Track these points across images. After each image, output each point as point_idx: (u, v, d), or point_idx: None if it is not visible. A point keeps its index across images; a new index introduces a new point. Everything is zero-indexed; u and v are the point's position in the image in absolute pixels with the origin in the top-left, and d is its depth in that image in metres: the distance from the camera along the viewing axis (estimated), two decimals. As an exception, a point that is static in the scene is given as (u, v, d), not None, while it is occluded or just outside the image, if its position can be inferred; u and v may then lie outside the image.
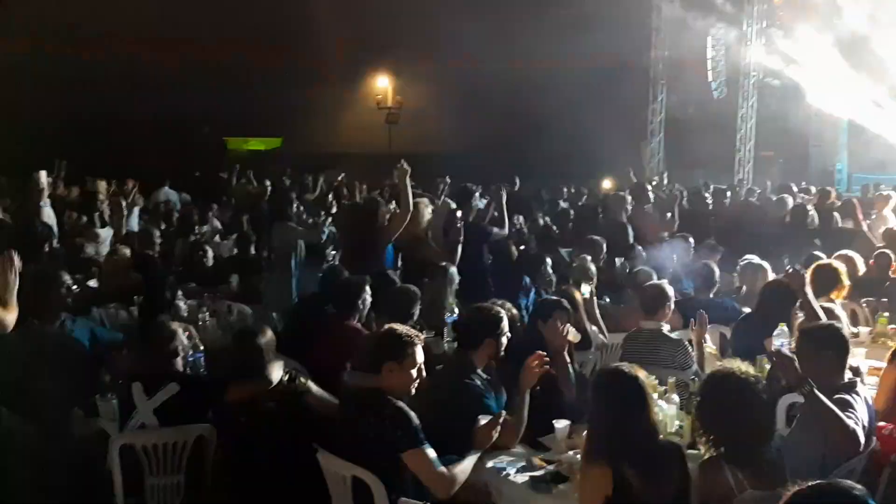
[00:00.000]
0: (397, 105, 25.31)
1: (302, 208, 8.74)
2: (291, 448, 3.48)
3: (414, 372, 3.30)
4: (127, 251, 6.54)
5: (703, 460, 2.99)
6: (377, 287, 5.10)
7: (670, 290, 5.32)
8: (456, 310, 5.52)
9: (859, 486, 1.96)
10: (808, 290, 4.48)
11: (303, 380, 3.80)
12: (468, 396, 3.55)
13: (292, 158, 19.05)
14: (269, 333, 3.90)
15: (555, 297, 4.80)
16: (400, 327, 3.46)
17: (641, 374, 3.08)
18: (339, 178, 10.71)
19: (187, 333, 4.36)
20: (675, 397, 3.97)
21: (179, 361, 4.03)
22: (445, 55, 21.93)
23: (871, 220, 10.28)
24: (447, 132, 22.94)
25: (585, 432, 3.11)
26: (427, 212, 6.41)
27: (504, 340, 3.80)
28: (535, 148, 19.16)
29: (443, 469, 3.18)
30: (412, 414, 3.22)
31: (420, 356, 3.32)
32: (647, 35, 19.36)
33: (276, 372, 3.79)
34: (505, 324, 3.79)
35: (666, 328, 5.16)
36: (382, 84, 26.33)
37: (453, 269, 5.60)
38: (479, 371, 3.78)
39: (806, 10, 17.87)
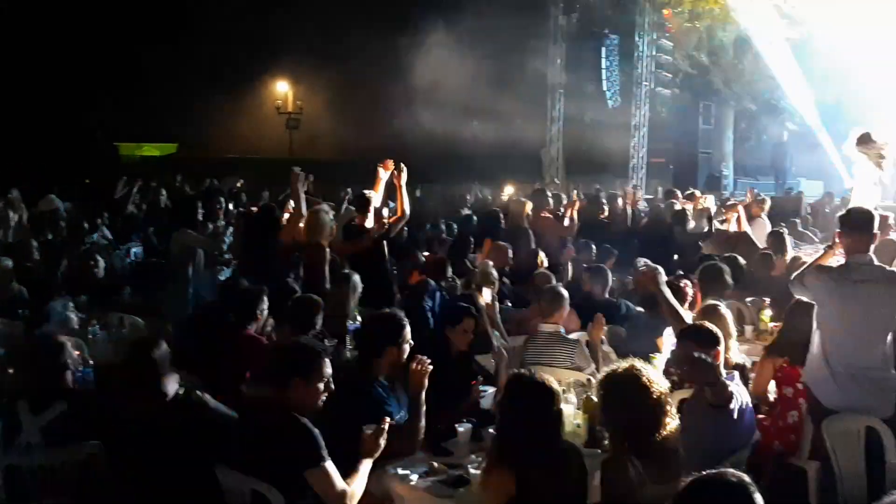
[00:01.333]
0: (298, 110, 24.98)
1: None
2: (188, 464, 3.38)
3: (321, 386, 3.26)
4: (10, 262, 6.20)
5: (607, 458, 3.07)
6: (277, 296, 5.02)
7: (566, 293, 5.47)
8: (359, 318, 5.49)
9: (745, 476, 2.06)
10: (664, 286, 4.65)
11: (199, 393, 3.70)
12: (369, 405, 3.54)
13: (189, 164, 18.50)
14: (164, 346, 3.77)
15: (464, 304, 4.86)
16: (307, 341, 3.41)
17: (553, 380, 3.14)
18: (238, 185, 10.47)
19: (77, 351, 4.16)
20: (573, 397, 4.08)
21: (69, 376, 3.84)
22: (347, 62, 21.83)
23: (753, 224, 10.86)
24: (349, 139, 22.84)
25: (493, 435, 3.16)
26: (328, 219, 6.35)
27: (406, 347, 3.80)
28: (437, 155, 19.31)
29: (343, 486, 3.14)
30: (316, 431, 3.16)
31: (328, 370, 3.28)
32: (545, 44, 19.83)
33: (171, 385, 3.67)
34: (407, 331, 3.80)
35: (563, 329, 5.31)
36: (282, 89, 25.94)
37: (356, 277, 5.58)
38: (381, 379, 3.78)
39: (693, 22, 18.77)
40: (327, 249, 6.17)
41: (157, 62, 22.40)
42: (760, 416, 4.54)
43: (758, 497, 2.02)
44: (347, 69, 22.56)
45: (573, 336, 5.42)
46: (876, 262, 4.24)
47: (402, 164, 6.76)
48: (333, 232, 6.34)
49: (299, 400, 3.22)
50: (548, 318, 5.32)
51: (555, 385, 3.09)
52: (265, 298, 4.92)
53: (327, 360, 3.30)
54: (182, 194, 11.20)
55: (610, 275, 6.57)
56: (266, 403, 3.29)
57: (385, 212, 7.08)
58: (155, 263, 7.40)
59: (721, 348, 3.72)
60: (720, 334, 3.76)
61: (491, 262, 6.47)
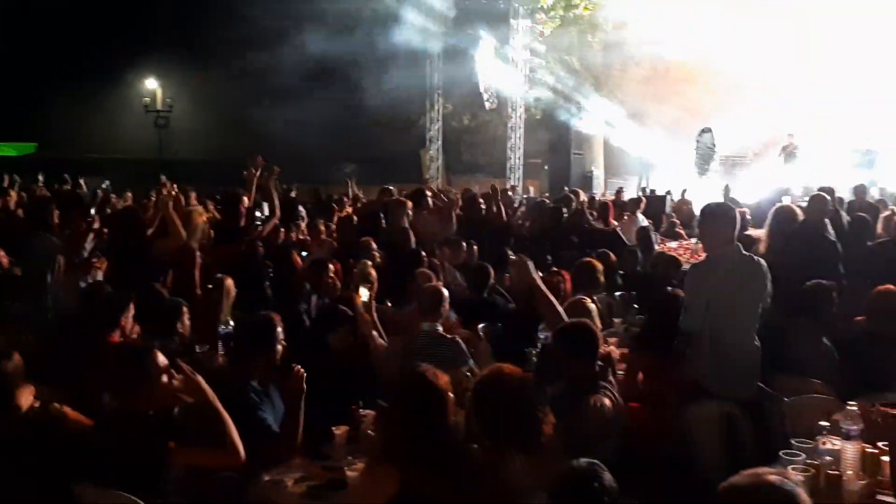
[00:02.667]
0: (167, 108, 23.92)
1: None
2: (42, 480, 3.16)
3: (165, 378, 3.12)
4: None
5: (486, 452, 3.09)
6: (144, 301, 4.79)
7: (445, 292, 5.51)
8: (231, 322, 5.32)
9: (602, 466, 2.12)
10: (537, 278, 4.78)
11: (57, 406, 3.47)
12: (242, 411, 3.43)
13: (50, 165, 17.41)
14: (16, 358, 3.51)
15: (343, 308, 4.79)
16: (141, 345, 3.27)
17: (443, 378, 3.13)
18: (104, 186, 9.94)
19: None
20: (450, 395, 4.10)
21: None
22: (220, 58, 21.17)
23: (623, 221, 11.35)
24: (224, 138, 22.17)
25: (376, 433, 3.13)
26: (200, 221, 6.12)
27: (279, 349, 3.72)
28: (319, 155, 19.06)
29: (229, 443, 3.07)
30: (167, 419, 3.08)
31: (161, 362, 3.14)
32: (423, 45, 19.95)
33: (26, 398, 3.42)
34: (279, 332, 3.71)
35: (441, 328, 5.34)
36: (151, 86, 24.79)
37: (229, 281, 5.40)
38: (254, 383, 3.67)
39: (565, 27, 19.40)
40: (198, 253, 5.95)
41: (12, 56, 20.97)
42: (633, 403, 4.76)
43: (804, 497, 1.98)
44: (220, 65, 21.88)
45: (450, 334, 5.45)
46: (743, 252, 4.53)
47: (274, 166, 6.61)
48: (206, 234, 6.11)
49: (144, 402, 3.09)
50: (428, 317, 5.34)
51: (443, 381, 3.09)
52: (130, 305, 4.68)
53: (159, 355, 3.17)
54: (39, 196, 10.50)
55: (491, 273, 6.66)
56: (120, 411, 3.14)
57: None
58: (7, 272, 6.89)
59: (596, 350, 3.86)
60: (596, 339, 3.89)
61: (370, 262, 6.43)
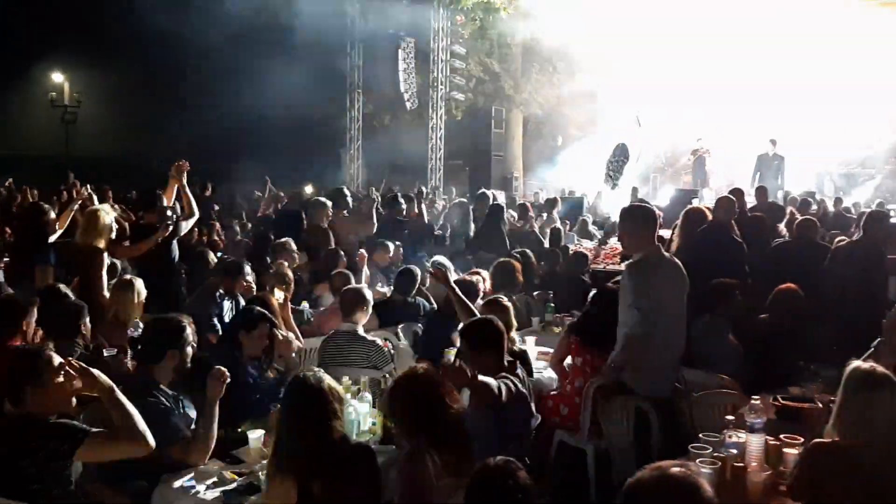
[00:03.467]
0: (75, 103, 22.89)
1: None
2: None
3: (61, 378, 3.00)
4: None
5: (405, 452, 3.07)
6: (46, 303, 4.57)
7: (368, 294, 5.48)
8: (141, 325, 5.14)
9: (517, 463, 2.15)
10: (453, 284, 4.83)
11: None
12: (152, 415, 3.32)
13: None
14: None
15: (259, 309, 4.69)
16: (31, 347, 3.12)
17: (329, 381, 3.09)
18: (7, 183, 9.47)
19: None
20: (368, 395, 4.09)
21: None
22: (132, 54, 20.49)
23: (543, 221, 11.54)
24: (134, 135, 21.45)
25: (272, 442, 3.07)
26: (107, 220, 5.89)
27: (189, 351, 3.61)
28: (233, 154, 18.64)
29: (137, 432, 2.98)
30: (69, 422, 2.96)
31: (55, 362, 3.02)
32: (343, 44, 19.81)
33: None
34: (188, 333, 3.61)
35: (361, 329, 5.31)
36: (57, 80, 23.70)
37: (139, 283, 5.21)
38: (164, 387, 3.56)
39: (485, 30, 19.57)
40: (105, 253, 5.72)
41: None
42: (553, 391, 4.86)
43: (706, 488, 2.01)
44: (130, 60, 21.15)
45: (371, 336, 5.43)
46: (664, 253, 4.65)
47: (185, 162, 6.43)
48: (112, 234, 5.88)
49: (42, 405, 2.96)
50: (348, 317, 5.30)
51: (334, 386, 3.06)
52: (32, 308, 4.46)
53: (53, 356, 3.05)
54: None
55: (417, 276, 6.65)
56: (8, 419, 2.99)
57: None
58: None
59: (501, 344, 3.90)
60: (499, 333, 3.92)
61: (286, 263, 6.33)
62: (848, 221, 10.33)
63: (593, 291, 5.47)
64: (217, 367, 3.51)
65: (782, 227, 8.63)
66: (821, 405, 4.00)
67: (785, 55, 18.56)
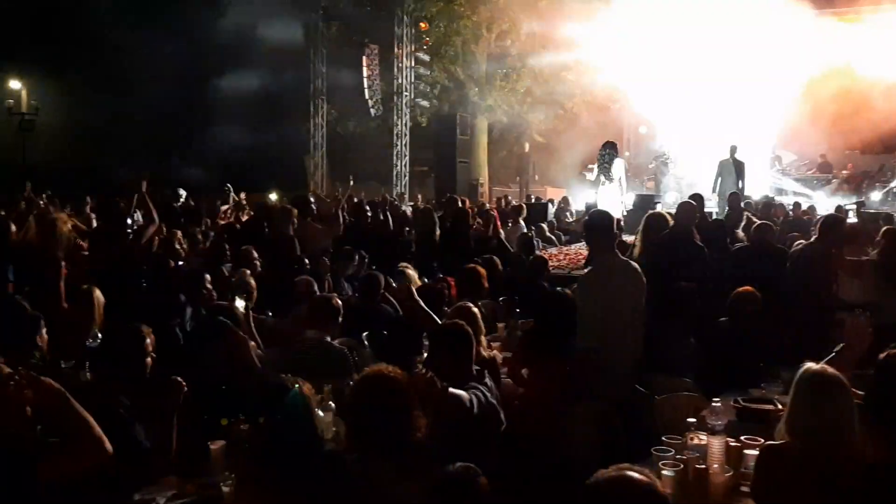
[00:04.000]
0: (33, 111, 22.40)
1: None
2: None
3: (8, 389, 2.91)
4: None
5: (360, 457, 3.04)
6: (2, 315, 4.47)
7: (338, 303, 5.45)
8: (100, 335, 5.05)
9: (477, 470, 2.14)
10: (415, 297, 4.84)
11: None
12: (111, 427, 3.25)
13: None
14: None
15: (222, 319, 4.63)
16: None
17: (306, 386, 3.07)
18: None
19: None
20: (332, 404, 4.05)
21: None
22: (93, 62, 20.17)
23: (508, 228, 11.58)
24: (96, 143, 21.11)
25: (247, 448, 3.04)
26: (66, 229, 5.79)
27: (149, 361, 3.56)
28: (194, 162, 18.44)
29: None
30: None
31: (5, 371, 2.94)
32: (306, 51, 19.74)
33: None
34: (147, 344, 3.55)
35: (327, 337, 5.27)
36: (15, 87, 23.21)
37: (98, 293, 5.13)
38: (123, 399, 3.49)
39: (449, 36, 19.65)
40: (63, 263, 5.62)
41: None
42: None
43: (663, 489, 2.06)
44: (90, 68, 20.81)
45: (337, 343, 5.39)
46: (621, 257, 4.72)
47: (146, 173, 6.35)
48: (71, 243, 5.78)
49: None
50: (314, 325, 5.26)
51: (306, 388, 3.04)
52: (-14, 319, 4.35)
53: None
54: None
55: (381, 282, 6.62)
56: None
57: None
58: None
59: (470, 350, 3.90)
60: (468, 338, 3.92)
61: (248, 271, 6.27)
62: (807, 225, 10.54)
63: (543, 298, 5.50)
64: (174, 377, 3.45)
65: (740, 231, 8.77)
66: (780, 406, 4.06)
67: (743, 61, 18.98)
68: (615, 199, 14.73)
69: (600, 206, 12.36)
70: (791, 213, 13.03)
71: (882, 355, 3.37)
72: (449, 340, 3.83)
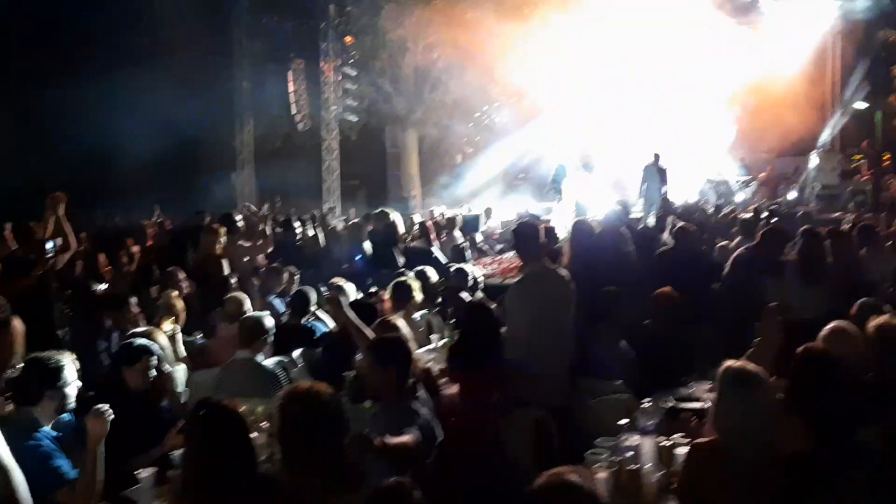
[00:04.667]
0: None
1: None
2: None
3: None
4: None
5: (299, 479, 2.99)
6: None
7: (269, 322, 5.37)
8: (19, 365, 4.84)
9: (411, 483, 2.21)
10: (347, 308, 4.80)
11: None
12: (33, 458, 3.13)
13: None
14: None
15: (141, 341, 4.51)
16: None
17: (239, 407, 3.00)
18: None
19: None
20: (265, 424, 3.99)
21: None
22: (23, 74, 19.34)
23: (443, 240, 11.62)
24: (11, 164, 20.24)
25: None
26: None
27: (70, 391, 3.43)
28: (117, 181, 17.91)
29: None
30: None
31: None
32: (230, 66, 19.45)
33: None
34: (67, 372, 3.43)
35: (260, 357, 5.19)
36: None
37: (16, 321, 4.92)
38: (47, 428, 3.37)
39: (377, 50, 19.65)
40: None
41: None
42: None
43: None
44: (36, 84, 19.94)
45: (269, 363, 5.31)
46: (549, 266, 4.80)
47: (62, 194, 6.13)
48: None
49: None
50: (245, 345, 5.18)
51: (238, 410, 2.97)
52: None
53: None
54: None
55: (311, 299, 6.56)
56: None
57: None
58: None
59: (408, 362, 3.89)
60: (406, 350, 3.91)
61: (175, 293, 6.13)
62: (728, 227, 10.90)
63: (464, 309, 5.54)
64: (98, 405, 3.34)
65: (666, 234, 8.99)
66: (708, 405, 4.18)
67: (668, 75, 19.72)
68: (568, 214, 15.25)
69: (553, 222, 12.64)
70: (713, 215, 13.45)
71: (799, 349, 3.52)
72: (385, 355, 3.81)
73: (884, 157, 18.72)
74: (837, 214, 13.47)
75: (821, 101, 21.09)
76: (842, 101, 20.99)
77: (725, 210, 14.86)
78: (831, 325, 4.10)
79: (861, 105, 21.41)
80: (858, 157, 18.86)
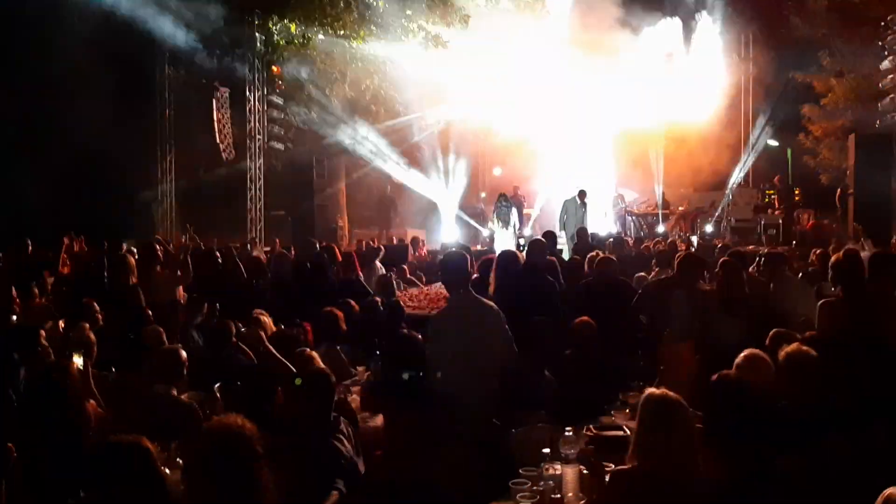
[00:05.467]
0: None
1: None
2: None
3: None
4: None
5: None
6: None
7: (183, 354, 5.23)
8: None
9: None
10: (266, 343, 4.74)
11: None
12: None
13: None
14: None
15: (54, 377, 4.30)
16: None
17: (154, 447, 2.90)
18: None
19: None
20: (180, 461, 3.85)
21: None
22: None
23: (366, 270, 11.54)
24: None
25: None
26: None
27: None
28: (31, 209, 17.19)
29: None
30: None
31: None
32: (152, 93, 19.04)
33: None
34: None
35: (175, 391, 5.03)
36: None
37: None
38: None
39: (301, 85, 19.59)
40: None
41: None
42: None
43: None
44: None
45: (185, 396, 5.15)
46: (475, 296, 4.81)
47: None
48: None
49: None
50: (160, 379, 5.02)
51: (150, 446, 2.87)
52: None
53: None
54: None
55: (231, 331, 6.40)
56: None
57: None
58: None
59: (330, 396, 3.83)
60: (330, 385, 3.85)
61: (87, 326, 5.89)
62: (648, 259, 11.19)
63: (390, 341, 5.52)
64: (3, 444, 3.18)
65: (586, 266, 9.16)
66: (629, 432, 4.24)
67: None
68: (510, 242, 15.74)
69: (498, 251, 12.89)
70: (633, 247, 13.81)
71: (714, 377, 3.61)
72: (308, 389, 3.74)
73: (794, 192, 19.69)
74: (751, 248, 14.01)
75: (736, 140, 22.06)
76: (754, 139, 22.03)
77: (647, 242, 15.30)
78: (745, 353, 4.22)
79: (773, 143, 22.50)
80: (771, 192, 19.75)
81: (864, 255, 10.21)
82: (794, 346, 4.09)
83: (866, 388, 4.04)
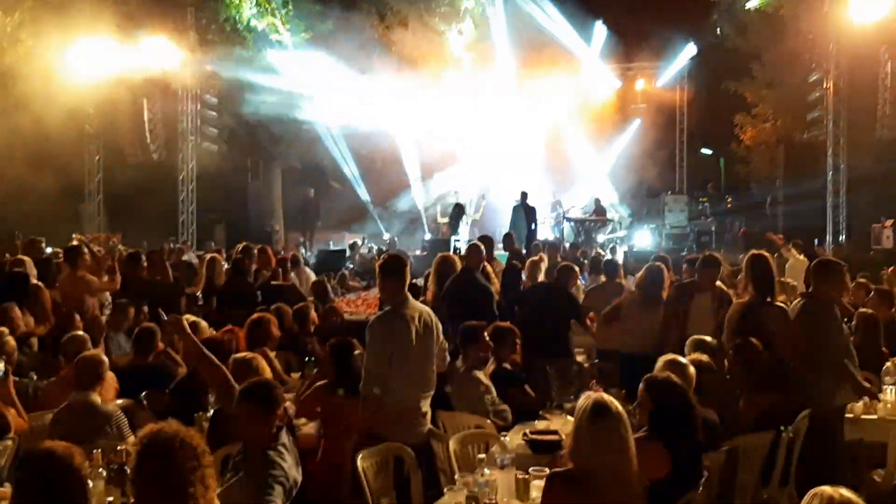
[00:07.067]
0: None
1: None
2: None
3: None
4: None
5: None
6: None
7: (105, 361, 5.04)
8: None
9: None
10: (187, 333, 4.55)
11: None
12: None
13: None
14: None
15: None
16: None
17: (77, 455, 2.76)
18: None
19: None
20: (103, 472, 3.69)
21: None
22: None
23: (299, 274, 11.38)
24: None
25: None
26: None
27: None
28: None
29: None
30: None
31: None
32: (79, 92, 18.39)
33: None
34: None
35: (98, 399, 4.84)
36: None
37: None
38: None
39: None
40: None
41: None
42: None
43: None
44: None
45: (110, 406, 4.96)
46: (413, 301, 4.76)
47: None
48: None
49: None
50: (82, 388, 4.81)
51: (77, 457, 2.74)
52: None
53: None
54: None
55: (157, 336, 6.20)
56: None
57: None
58: None
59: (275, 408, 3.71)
60: (276, 397, 3.74)
61: (7, 331, 5.63)
62: (582, 264, 11.34)
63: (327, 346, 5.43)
64: None
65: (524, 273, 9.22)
66: (565, 436, 4.26)
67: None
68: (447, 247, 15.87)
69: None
70: (569, 253, 13.99)
71: (647, 376, 3.69)
72: (251, 400, 3.59)
73: (727, 200, 20.26)
74: (685, 253, 14.36)
75: (672, 149, 22.54)
76: (688, 148, 22.57)
77: (584, 248, 15.53)
78: (665, 357, 4.35)
79: (707, 151, 23.08)
80: (704, 199, 20.28)
81: (791, 262, 10.56)
82: (695, 355, 4.63)
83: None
